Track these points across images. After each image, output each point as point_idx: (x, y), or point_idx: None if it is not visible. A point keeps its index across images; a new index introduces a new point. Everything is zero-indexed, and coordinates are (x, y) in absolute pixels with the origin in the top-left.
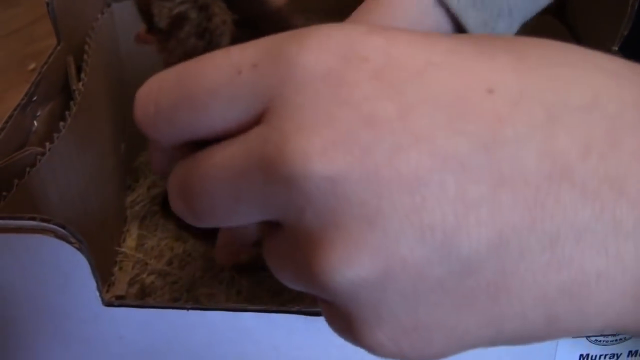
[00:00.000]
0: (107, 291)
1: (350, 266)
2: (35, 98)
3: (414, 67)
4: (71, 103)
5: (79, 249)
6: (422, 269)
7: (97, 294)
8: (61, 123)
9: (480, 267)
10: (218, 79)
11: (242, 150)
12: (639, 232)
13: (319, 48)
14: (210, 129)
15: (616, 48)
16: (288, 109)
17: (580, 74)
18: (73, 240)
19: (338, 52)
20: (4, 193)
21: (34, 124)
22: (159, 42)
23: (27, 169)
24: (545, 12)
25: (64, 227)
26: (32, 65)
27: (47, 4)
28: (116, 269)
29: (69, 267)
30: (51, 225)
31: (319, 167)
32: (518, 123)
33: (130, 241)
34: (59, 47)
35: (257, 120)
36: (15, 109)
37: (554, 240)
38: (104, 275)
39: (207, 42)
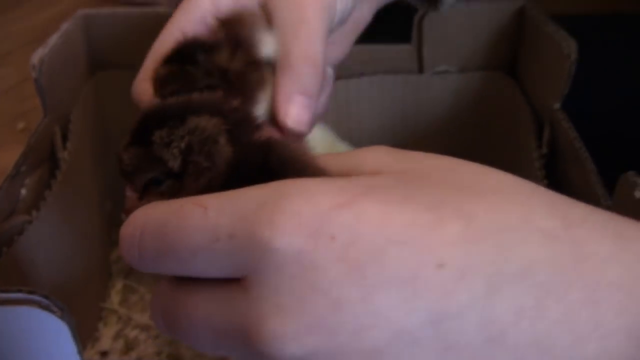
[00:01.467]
0: (92, 347)
1: None
2: (23, 168)
3: (376, 246)
4: (57, 172)
5: (60, 317)
6: None
7: (78, 357)
8: (47, 191)
9: None
10: (198, 242)
11: (223, 314)
12: None
13: (291, 229)
14: (193, 275)
15: (558, 106)
16: (265, 290)
17: (520, 240)
18: (55, 309)
19: (308, 231)
20: None
21: (21, 192)
22: (171, 188)
23: (15, 237)
24: (498, 68)
25: (47, 298)
26: (21, 125)
27: (35, 80)
28: (101, 324)
29: (52, 334)
30: (36, 297)
31: (292, 349)
32: (462, 297)
33: (115, 296)
34: (45, 119)
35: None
36: (5, 180)
37: None
38: (88, 331)
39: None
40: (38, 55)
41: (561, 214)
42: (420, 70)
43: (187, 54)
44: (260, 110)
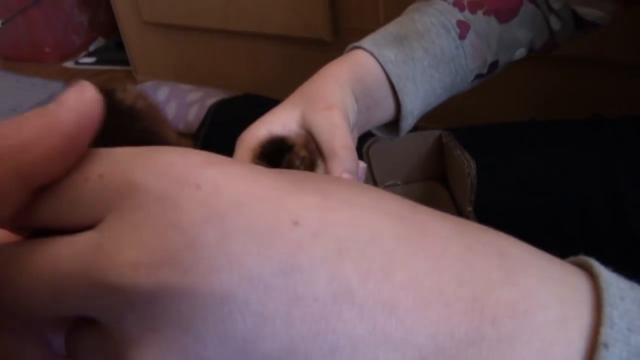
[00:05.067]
0: None
1: None
2: None
3: (236, 198)
4: None
5: None
6: None
7: None
8: None
9: None
10: (69, 182)
11: (71, 253)
12: (403, 344)
13: (160, 173)
14: (55, 224)
15: (470, 209)
16: (124, 225)
17: (369, 214)
18: None
19: (175, 178)
20: None
21: None
22: None
23: None
24: (433, 179)
25: None
26: None
27: None
28: None
29: None
30: None
31: (145, 281)
32: (313, 252)
33: None
34: None
35: (89, 226)
36: None
37: (333, 349)
38: None
39: None
40: None
41: (409, 204)
42: (375, 184)
43: (276, 153)
44: None
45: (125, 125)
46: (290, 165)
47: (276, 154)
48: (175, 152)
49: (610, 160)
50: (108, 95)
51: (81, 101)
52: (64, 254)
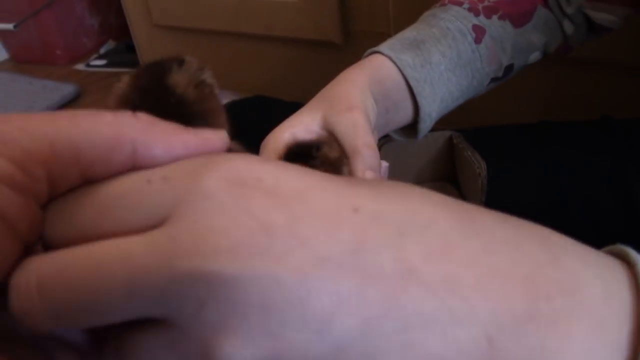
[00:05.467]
0: None
1: (248, 348)
2: None
3: (299, 188)
4: None
5: None
6: (304, 349)
7: None
8: None
9: (350, 345)
10: (129, 184)
11: (146, 247)
12: (469, 319)
13: (222, 170)
14: (112, 227)
15: None
16: (195, 214)
17: (421, 203)
18: None
19: (237, 172)
20: None
21: None
22: None
23: None
24: (443, 179)
25: None
26: None
27: None
28: None
29: None
30: None
31: (227, 265)
32: (376, 236)
33: None
34: None
35: (155, 226)
36: None
37: (405, 326)
38: None
39: None
40: None
41: (451, 198)
42: None
43: (305, 151)
44: None
45: (172, 120)
46: (324, 161)
47: (302, 157)
48: (236, 156)
49: (621, 162)
50: (159, 79)
51: (220, 140)
52: (138, 249)
